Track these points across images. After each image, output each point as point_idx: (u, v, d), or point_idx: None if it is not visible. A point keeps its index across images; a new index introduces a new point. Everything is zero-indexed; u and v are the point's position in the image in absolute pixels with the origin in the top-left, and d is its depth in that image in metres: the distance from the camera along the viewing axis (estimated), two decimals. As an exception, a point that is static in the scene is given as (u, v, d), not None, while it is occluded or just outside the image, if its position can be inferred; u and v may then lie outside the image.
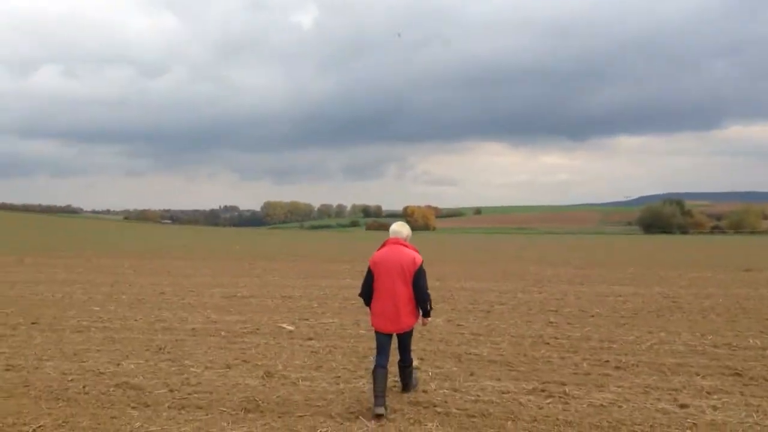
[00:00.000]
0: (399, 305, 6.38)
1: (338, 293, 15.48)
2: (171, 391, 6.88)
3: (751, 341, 9.64)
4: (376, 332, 6.51)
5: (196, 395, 6.71)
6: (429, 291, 6.52)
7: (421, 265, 6.41)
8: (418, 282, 6.39)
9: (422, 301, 6.47)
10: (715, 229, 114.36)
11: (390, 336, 6.50)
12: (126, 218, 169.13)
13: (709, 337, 9.93)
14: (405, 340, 6.60)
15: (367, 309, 6.69)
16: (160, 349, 8.95)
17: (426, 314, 6.63)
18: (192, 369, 7.82)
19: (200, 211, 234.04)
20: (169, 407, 6.35)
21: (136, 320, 11.33)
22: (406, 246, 6.57)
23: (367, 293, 6.59)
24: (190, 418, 6.03)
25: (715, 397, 6.72)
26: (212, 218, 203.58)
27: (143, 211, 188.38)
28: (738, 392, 6.89)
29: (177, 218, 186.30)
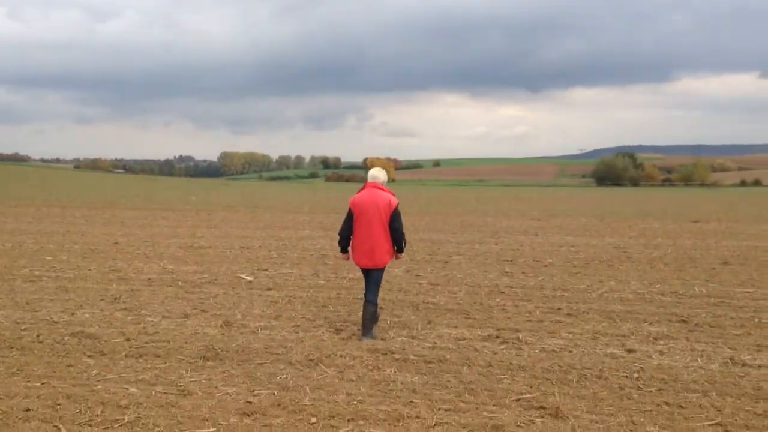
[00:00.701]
0: (375, 243, 6.99)
1: (297, 244, 15.48)
2: (127, 340, 6.84)
3: (696, 289, 10.03)
4: (360, 267, 7.24)
5: (153, 344, 6.70)
6: (404, 231, 7.13)
7: (396, 207, 7.04)
8: (394, 223, 7.02)
9: (397, 240, 7.10)
10: (666, 182, 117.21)
11: (369, 271, 7.12)
12: (77, 167, 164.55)
13: (657, 286, 10.29)
14: (376, 276, 7.15)
15: (341, 250, 7.39)
16: (116, 298, 8.86)
17: (400, 251, 7.24)
18: (149, 318, 7.78)
19: (155, 160, 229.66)
20: (126, 356, 6.33)
21: (89, 270, 11.16)
22: (383, 189, 7.13)
23: (346, 232, 7.18)
24: (148, 366, 6.03)
25: (662, 342, 6.99)
26: (167, 168, 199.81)
27: (95, 160, 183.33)
28: (683, 338, 7.18)
29: (130, 168, 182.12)
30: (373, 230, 6.97)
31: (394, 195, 7.14)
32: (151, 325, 7.49)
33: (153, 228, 19.18)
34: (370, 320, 7.10)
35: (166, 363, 6.12)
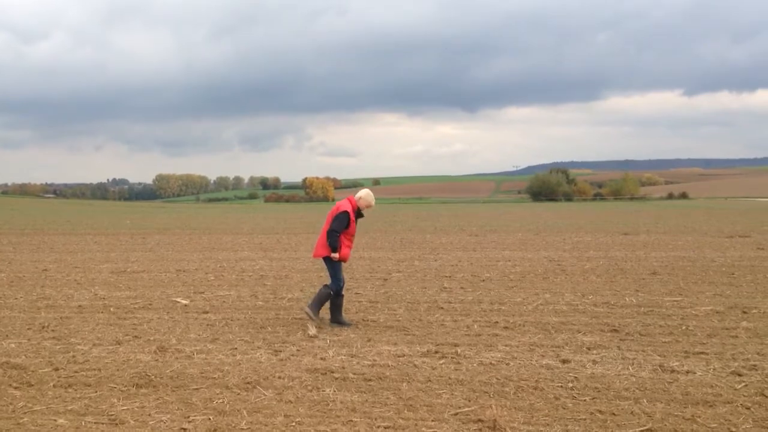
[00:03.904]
0: (320, 238, 8.58)
1: (236, 265, 15.25)
2: (56, 369, 6.58)
3: (627, 299, 10.36)
4: None
5: (83, 373, 6.46)
6: (336, 232, 8.30)
7: (339, 212, 8.35)
8: (333, 221, 8.34)
9: (327, 233, 8.34)
10: (597, 196, 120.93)
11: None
12: (4, 192, 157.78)
13: (590, 297, 10.59)
14: (327, 267, 8.62)
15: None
16: (44, 327, 8.52)
17: (332, 248, 8.34)
18: (79, 346, 7.50)
19: (87, 184, 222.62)
20: (54, 386, 6.07)
21: (16, 299, 10.70)
22: (349, 200, 8.55)
23: None
24: (78, 396, 5.80)
25: (595, 352, 7.18)
26: (100, 192, 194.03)
27: (23, 185, 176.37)
28: (615, 347, 7.39)
29: (61, 192, 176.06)
30: (323, 228, 8.53)
31: (350, 205, 8.45)
32: (81, 353, 7.22)
33: (84, 253, 18.58)
34: (317, 297, 8.56)
35: (96, 392, 5.90)
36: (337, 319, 8.60)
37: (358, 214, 8.62)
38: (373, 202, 8.72)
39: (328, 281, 8.71)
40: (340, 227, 8.33)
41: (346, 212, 8.34)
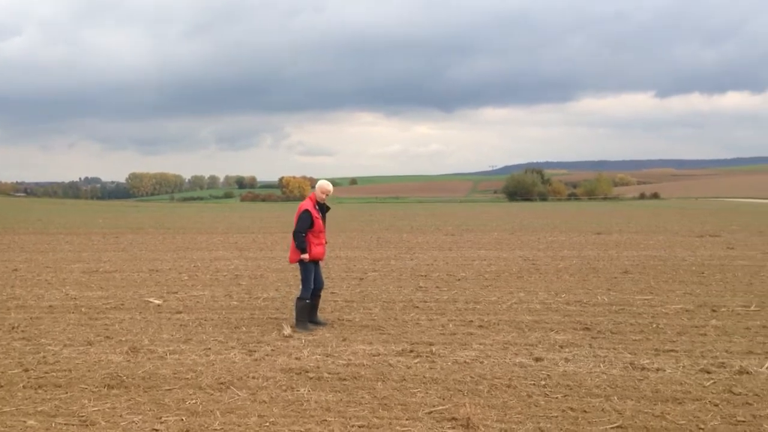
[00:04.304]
0: (291, 243, 8.40)
1: (210, 265, 15.14)
2: (26, 370, 6.48)
3: (599, 298, 10.48)
4: None
5: (54, 374, 6.37)
6: (301, 233, 8.21)
7: (301, 213, 8.26)
8: (296, 223, 8.25)
9: (293, 236, 8.28)
10: (572, 196, 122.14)
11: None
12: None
13: (563, 296, 10.70)
14: (300, 272, 8.51)
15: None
16: (13, 327, 8.38)
17: (300, 249, 8.24)
18: (49, 347, 7.40)
19: (59, 183, 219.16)
20: (24, 387, 5.99)
21: (-16, 299, 10.50)
22: (309, 197, 8.56)
23: None
24: (48, 397, 5.72)
25: (567, 350, 7.26)
26: (72, 191, 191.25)
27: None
28: (587, 345, 7.48)
29: (32, 191, 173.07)
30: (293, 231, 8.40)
31: (310, 202, 8.43)
32: (51, 354, 7.12)
33: (56, 253, 18.30)
34: (296, 313, 8.45)
35: (67, 393, 5.83)
36: (311, 318, 8.56)
37: (322, 207, 8.57)
38: (329, 188, 8.60)
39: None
40: (304, 227, 8.26)
41: (306, 211, 8.27)
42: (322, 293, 8.96)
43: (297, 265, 8.55)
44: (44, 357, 6.98)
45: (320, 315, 8.83)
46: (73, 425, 5.07)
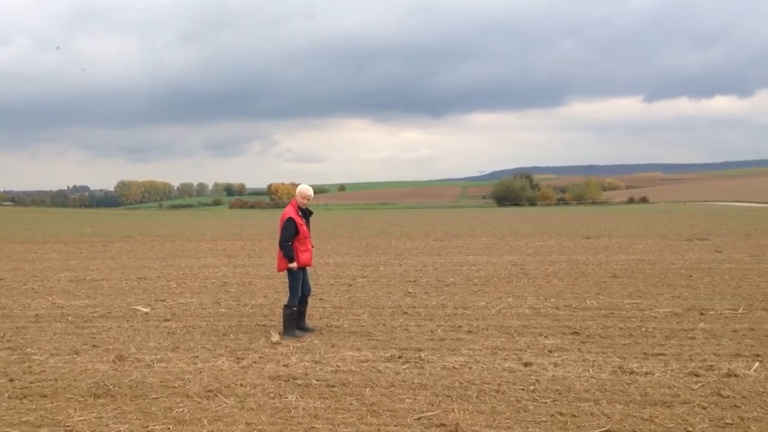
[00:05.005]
0: (277, 250, 8.43)
1: (198, 273, 15.06)
2: (11, 380, 6.41)
3: (588, 302, 10.51)
4: None
5: (39, 383, 6.31)
6: (287, 242, 8.18)
7: (284, 221, 8.20)
8: (281, 233, 8.24)
9: (280, 246, 8.26)
10: (560, 201, 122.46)
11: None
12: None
13: (552, 300, 10.71)
14: (288, 279, 8.44)
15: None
16: (-2, 338, 8.29)
17: (287, 258, 8.21)
18: (35, 357, 7.32)
19: (46, 191, 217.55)
20: (9, 397, 5.92)
21: (-31, 309, 10.39)
22: (291, 203, 8.45)
23: None
24: (33, 407, 5.66)
25: (556, 354, 7.26)
26: (60, 199, 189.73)
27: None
28: (576, 349, 7.48)
29: (19, 200, 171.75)
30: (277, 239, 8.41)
31: (292, 209, 8.31)
32: (37, 363, 7.05)
33: (43, 262, 18.15)
34: (284, 321, 8.38)
35: (53, 403, 5.77)
36: (299, 325, 8.51)
37: (304, 212, 8.48)
38: (309, 193, 8.51)
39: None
40: (289, 236, 8.20)
41: (290, 219, 8.19)
42: (311, 300, 8.93)
43: (285, 273, 8.51)
44: (30, 366, 6.91)
45: (308, 322, 8.79)
46: (58, 435, 5.00)
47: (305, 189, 8.50)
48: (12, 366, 6.94)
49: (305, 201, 8.48)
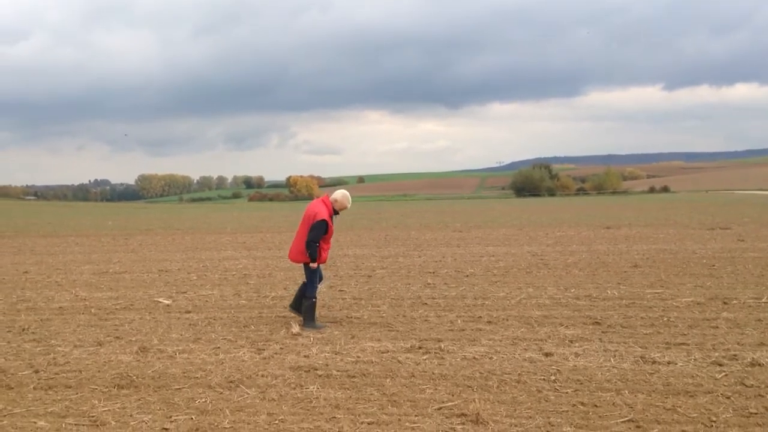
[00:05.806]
0: (296, 242, 8.34)
1: (219, 265, 15.17)
2: (36, 372, 6.51)
3: (609, 292, 10.43)
4: None
5: (64, 374, 6.40)
6: (315, 243, 8.08)
7: (318, 221, 8.03)
8: (310, 231, 8.07)
9: (306, 245, 8.12)
10: (580, 191, 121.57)
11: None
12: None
13: (572, 290, 10.65)
14: (304, 271, 8.37)
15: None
16: (24, 329, 8.43)
17: (311, 259, 8.16)
18: (59, 348, 7.43)
19: (68, 185, 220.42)
20: (34, 388, 6.01)
21: (-5, 302, 10.57)
22: (324, 203, 8.26)
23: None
24: (58, 398, 5.75)
25: (577, 344, 7.22)
26: (82, 193, 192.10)
27: (3, 188, 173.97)
28: (597, 339, 7.44)
29: (42, 194, 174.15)
30: (300, 231, 8.31)
31: (326, 211, 8.15)
32: (61, 355, 7.15)
33: (66, 255, 18.39)
34: (304, 313, 8.33)
35: (77, 393, 5.85)
36: (293, 306, 8.72)
37: (334, 213, 8.40)
38: (348, 205, 8.45)
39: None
40: (318, 237, 8.09)
41: (323, 221, 8.04)
42: (330, 291, 8.95)
43: (299, 264, 8.53)
44: (54, 358, 7.01)
45: (329, 313, 8.82)
46: (83, 425, 5.08)
47: (347, 200, 8.41)
48: (37, 357, 7.05)
49: (340, 209, 8.41)
